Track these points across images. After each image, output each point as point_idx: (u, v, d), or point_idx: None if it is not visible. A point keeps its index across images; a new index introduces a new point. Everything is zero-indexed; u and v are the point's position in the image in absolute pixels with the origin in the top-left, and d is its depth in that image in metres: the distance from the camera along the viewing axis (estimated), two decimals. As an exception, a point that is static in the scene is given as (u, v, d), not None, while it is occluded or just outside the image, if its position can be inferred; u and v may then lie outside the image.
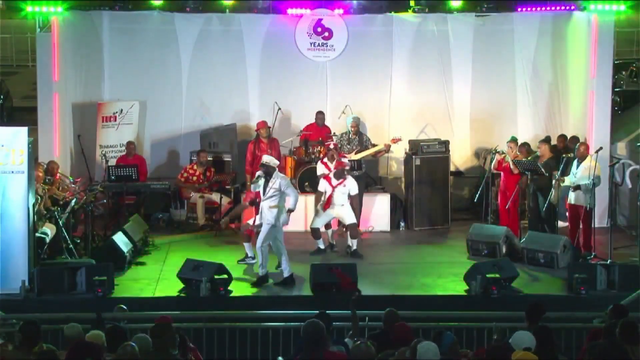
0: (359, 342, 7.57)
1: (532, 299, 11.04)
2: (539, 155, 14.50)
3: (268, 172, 12.24)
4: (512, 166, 14.11)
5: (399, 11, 16.49)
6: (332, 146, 14.43)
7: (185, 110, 16.56)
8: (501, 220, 14.42)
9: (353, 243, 13.59)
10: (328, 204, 13.52)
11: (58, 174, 14.30)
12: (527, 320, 8.29)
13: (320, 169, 14.18)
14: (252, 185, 12.56)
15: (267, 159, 12.44)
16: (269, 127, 15.22)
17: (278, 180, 12.21)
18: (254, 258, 13.04)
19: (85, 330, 8.01)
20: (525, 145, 15.06)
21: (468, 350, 7.97)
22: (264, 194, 12.22)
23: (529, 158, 14.46)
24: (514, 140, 14.65)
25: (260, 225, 12.26)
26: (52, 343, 8.11)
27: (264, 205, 12.20)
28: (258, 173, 12.37)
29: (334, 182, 13.57)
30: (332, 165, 14.02)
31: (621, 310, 8.32)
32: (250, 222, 12.97)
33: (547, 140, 14.74)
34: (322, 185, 13.67)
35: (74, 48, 16.07)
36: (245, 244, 13.14)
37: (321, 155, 14.80)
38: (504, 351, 7.16)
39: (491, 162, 14.66)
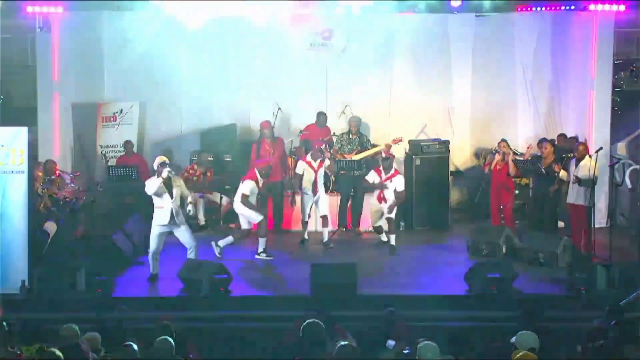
0: (344, 343, 7.50)
1: (532, 299, 11.05)
2: (539, 155, 14.51)
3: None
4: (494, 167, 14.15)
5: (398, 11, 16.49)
6: (323, 146, 14.25)
7: (185, 110, 16.55)
8: (493, 220, 14.43)
9: (390, 238, 13.70)
10: (379, 198, 13.64)
11: (57, 172, 14.29)
12: (522, 323, 8.22)
13: (301, 167, 14.08)
14: (155, 188, 12.00)
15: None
16: (272, 127, 15.16)
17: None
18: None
19: (83, 330, 8.01)
20: (551, 140, 15.07)
21: None
22: (172, 197, 12.06)
23: (530, 158, 14.46)
24: (503, 140, 14.70)
25: (169, 229, 12.23)
26: (52, 343, 8.10)
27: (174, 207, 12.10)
28: (167, 170, 12.00)
29: (384, 175, 13.60)
30: (315, 165, 13.96)
31: (617, 311, 8.32)
32: (245, 225, 12.97)
33: (551, 141, 14.73)
34: (371, 177, 13.73)
35: (74, 48, 16.06)
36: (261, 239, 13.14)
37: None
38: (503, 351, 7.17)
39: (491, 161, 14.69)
